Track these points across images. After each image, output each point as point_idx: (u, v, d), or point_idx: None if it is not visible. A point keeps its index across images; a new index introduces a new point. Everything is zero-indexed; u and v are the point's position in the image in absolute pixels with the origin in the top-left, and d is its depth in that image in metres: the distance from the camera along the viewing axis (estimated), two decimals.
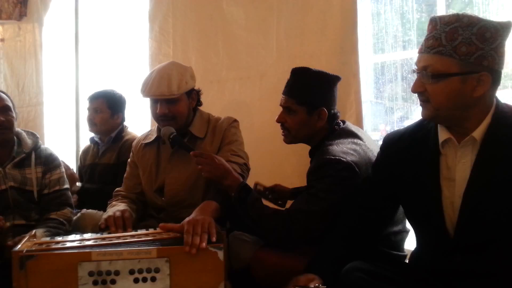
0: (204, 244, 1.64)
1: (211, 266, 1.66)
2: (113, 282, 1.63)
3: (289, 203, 2.27)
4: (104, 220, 2.00)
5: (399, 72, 2.89)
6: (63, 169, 2.48)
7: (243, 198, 1.90)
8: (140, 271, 1.63)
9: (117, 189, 2.36)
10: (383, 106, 3.03)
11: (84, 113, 3.20)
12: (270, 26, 2.94)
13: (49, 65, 4.14)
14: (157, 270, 1.64)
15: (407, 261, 1.87)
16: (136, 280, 1.63)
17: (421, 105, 1.53)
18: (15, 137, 2.36)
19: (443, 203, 1.50)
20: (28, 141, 2.39)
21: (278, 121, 2.05)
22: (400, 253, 1.93)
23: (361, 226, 1.70)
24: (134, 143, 2.42)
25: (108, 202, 2.28)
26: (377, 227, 1.74)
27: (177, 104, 2.16)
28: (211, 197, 1.97)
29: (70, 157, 3.92)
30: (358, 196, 1.74)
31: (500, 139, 1.43)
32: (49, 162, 2.40)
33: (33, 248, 1.67)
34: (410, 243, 1.95)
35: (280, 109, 2.05)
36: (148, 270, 1.64)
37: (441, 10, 2.65)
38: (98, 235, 1.84)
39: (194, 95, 2.26)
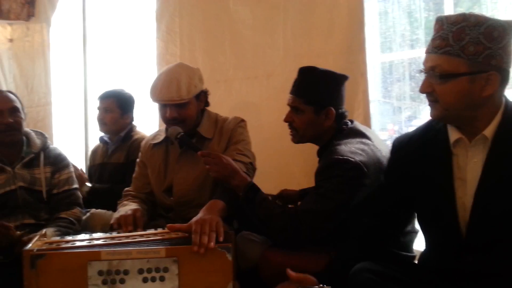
0: (212, 244, 1.65)
1: (219, 266, 1.66)
2: (122, 281, 1.64)
3: None
4: (116, 219, 2.01)
5: (407, 71, 2.88)
6: (72, 169, 2.49)
7: (251, 198, 1.90)
8: (149, 271, 1.65)
9: (126, 189, 2.37)
10: (391, 106, 3.03)
11: (93, 113, 3.21)
12: (277, 26, 2.93)
13: (57, 65, 4.15)
14: (166, 270, 1.65)
15: (416, 262, 1.86)
16: (145, 280, 1.64)
17: (429, 105, 1.52)
18: (24, 137, 2.37)
19: (456, 204, 1.50)
20: (37, 141, 2.41)
21: (285, 120, 2.05)
22: (409, 253, 1.92)
23: (375, 236, 1.69)
24: (142, 143, 2.43)
25: (118, 202, 2.29)
26: (391, 234, 1.73)
27: (186, 108, 2.16)
28: (218, 196, 1.97)
29: (78, 157, 3.93)
30: (371, 203, 1.73)
31: (511, 138, 1.43)
32: (58, 162, 2.41)
33: (44, 248, 1.68)
34: (419, 243, 1.94)
35: (288, 108, 2.05)
36: (157, 270, 1.65)
37: (449, 9, 2.63)
38: (107, 235, 1.85)
39: (202, 97, 2.26)
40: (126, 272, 1.64)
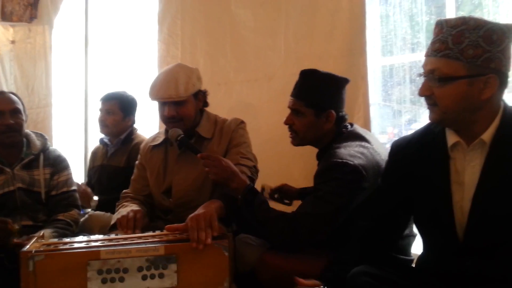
0: (209, 240, 1.68)
1: (216, 261, 1.70)
2: (121, 279, 1.65)
3: (295, 203, 2.27)
4: (117, 220, 2.02)
5: (408, 74, 2.88)
6: (71, 171, 2.49)
7: (250, 201, 1.90)
8: (148, 268, 1.66)
9: (124, 191, 2.37)
10: (391, 109, 3.02)
11: (93, 115, 3.21)
12: (278, 28, 2.94)
13: (58, 67, 4.16)
14: (164, 267, 1.67)
15: (413, 265, 1.85)
16: (144, 277, 1.66)
17: (428, 108, 1.52)
18: (24, 139, 2.37)
19: (453, 207, 1.49)
20: (37, 142, 2.41)
21: (286, 123, 2.05)
22: (407, 257, 1.91)
23: (373, 239, 1.69)
24: (142, 146, 2.43)
25: (116, 204, 2.29)
26: (389, 238, 1.72)
27: (184, 106, 2.18)
28: (216, 197, 1.98)
29: (78, 159, 3.94)
30: (369, 207, 1.73)
31: (509, 142, 1.42)
32: (57, 164, 2.41)
33: (42, 249, 1.68)
34: (416, 247, 1.93)
35: (288, 111, 2.05)
36: (156, 267, 1.66)
37: (451, 12, 2.63)
38: (105, 237, 1.86)
39: (200, 96, 2.27)
40: (125, 271, 1.66)
